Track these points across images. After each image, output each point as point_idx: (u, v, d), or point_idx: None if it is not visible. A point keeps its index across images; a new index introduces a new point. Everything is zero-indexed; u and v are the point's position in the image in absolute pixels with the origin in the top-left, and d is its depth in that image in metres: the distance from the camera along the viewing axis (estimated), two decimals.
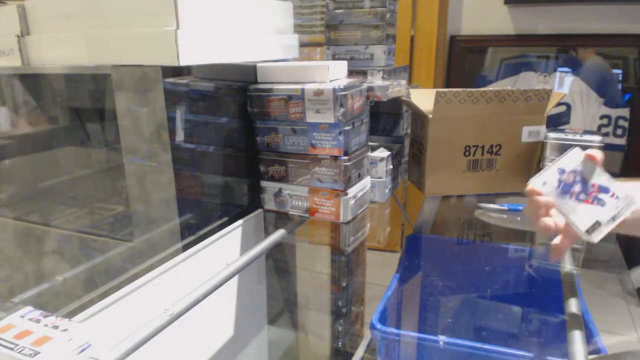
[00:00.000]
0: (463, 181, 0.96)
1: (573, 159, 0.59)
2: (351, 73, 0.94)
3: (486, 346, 0.73)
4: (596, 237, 0.57)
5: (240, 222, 0.82)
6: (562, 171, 0.59)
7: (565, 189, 0.58)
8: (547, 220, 0.59)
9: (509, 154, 0.95)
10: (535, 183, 0.59)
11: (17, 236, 0.90)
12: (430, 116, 0.91)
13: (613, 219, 0.57)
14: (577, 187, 0.58)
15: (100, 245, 0.83)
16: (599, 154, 0.59)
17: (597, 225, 0.57)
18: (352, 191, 0.78)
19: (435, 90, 0.89)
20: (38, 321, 0.44)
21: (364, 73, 0.94)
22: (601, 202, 0.57)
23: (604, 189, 0.58)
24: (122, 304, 0.58)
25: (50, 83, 0.90)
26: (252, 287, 0.93)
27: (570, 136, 0.91)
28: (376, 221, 0.97)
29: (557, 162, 0.59)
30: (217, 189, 0.86)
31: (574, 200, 0.58)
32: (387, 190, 0.93)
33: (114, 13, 0.62)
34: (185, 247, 0.72)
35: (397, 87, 0.92)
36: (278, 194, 0.82)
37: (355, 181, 0.80)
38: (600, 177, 0.58)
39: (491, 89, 0.91)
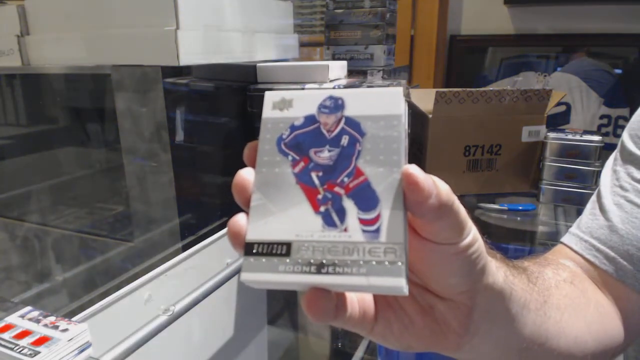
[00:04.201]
0: (463, 181, 0.96)
1: None
2: (351, 73, 0.94)
3: None
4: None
5: None
6: None
7: None
8: None
9: (509, 154, 0.94)
10: None
11: (16, 236, 0.90)
12: (430, 116, 0.91)
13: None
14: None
15: (100, 245, 0.83)
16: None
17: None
18: None
19: (435, 90, 0.89)
20: (38, 321, 0.44)
21: (364, 73, 0.94)
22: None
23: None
24: (122, 304, 0.58)
25: (50, 83, 0.90)
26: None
27: (570, 136, 0.91)
28: None
29: None
30: (217, 188, 0.86)
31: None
32: None
33: (113, 13, 0.62)
34: (185, 247, 0.72)
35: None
36: None
37: None
38: None
39: (491, 89, 0.91)
